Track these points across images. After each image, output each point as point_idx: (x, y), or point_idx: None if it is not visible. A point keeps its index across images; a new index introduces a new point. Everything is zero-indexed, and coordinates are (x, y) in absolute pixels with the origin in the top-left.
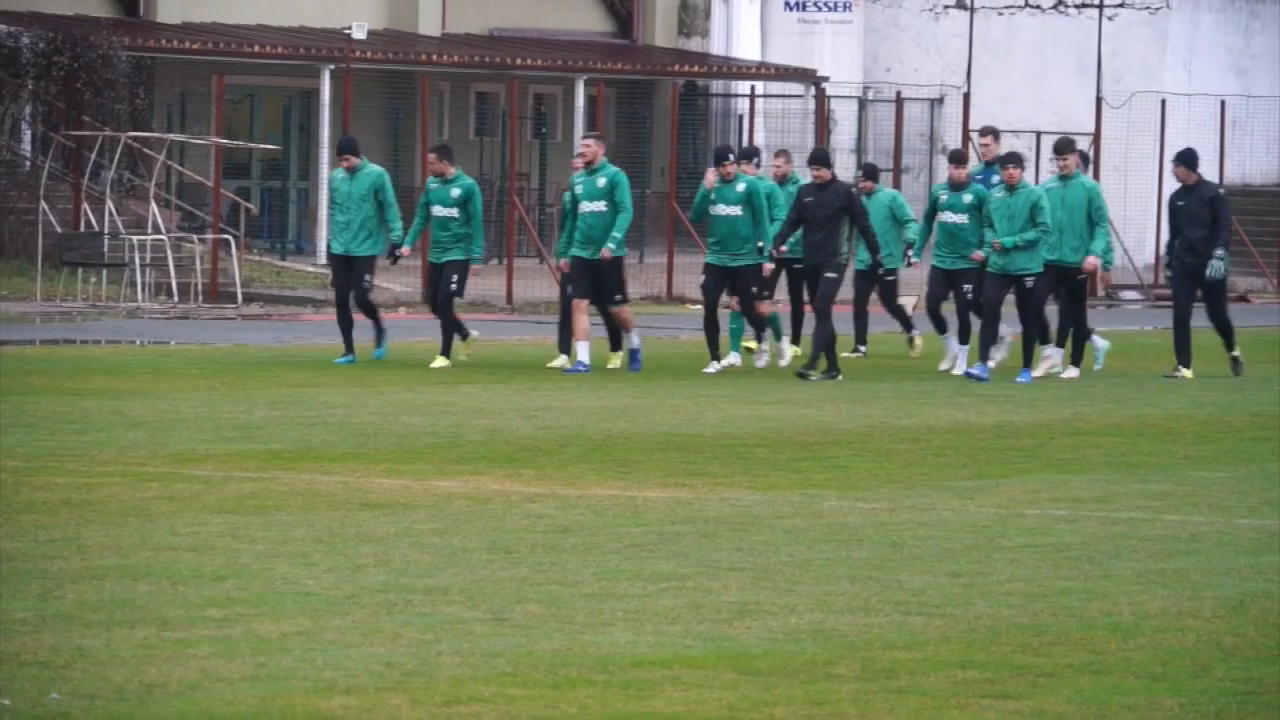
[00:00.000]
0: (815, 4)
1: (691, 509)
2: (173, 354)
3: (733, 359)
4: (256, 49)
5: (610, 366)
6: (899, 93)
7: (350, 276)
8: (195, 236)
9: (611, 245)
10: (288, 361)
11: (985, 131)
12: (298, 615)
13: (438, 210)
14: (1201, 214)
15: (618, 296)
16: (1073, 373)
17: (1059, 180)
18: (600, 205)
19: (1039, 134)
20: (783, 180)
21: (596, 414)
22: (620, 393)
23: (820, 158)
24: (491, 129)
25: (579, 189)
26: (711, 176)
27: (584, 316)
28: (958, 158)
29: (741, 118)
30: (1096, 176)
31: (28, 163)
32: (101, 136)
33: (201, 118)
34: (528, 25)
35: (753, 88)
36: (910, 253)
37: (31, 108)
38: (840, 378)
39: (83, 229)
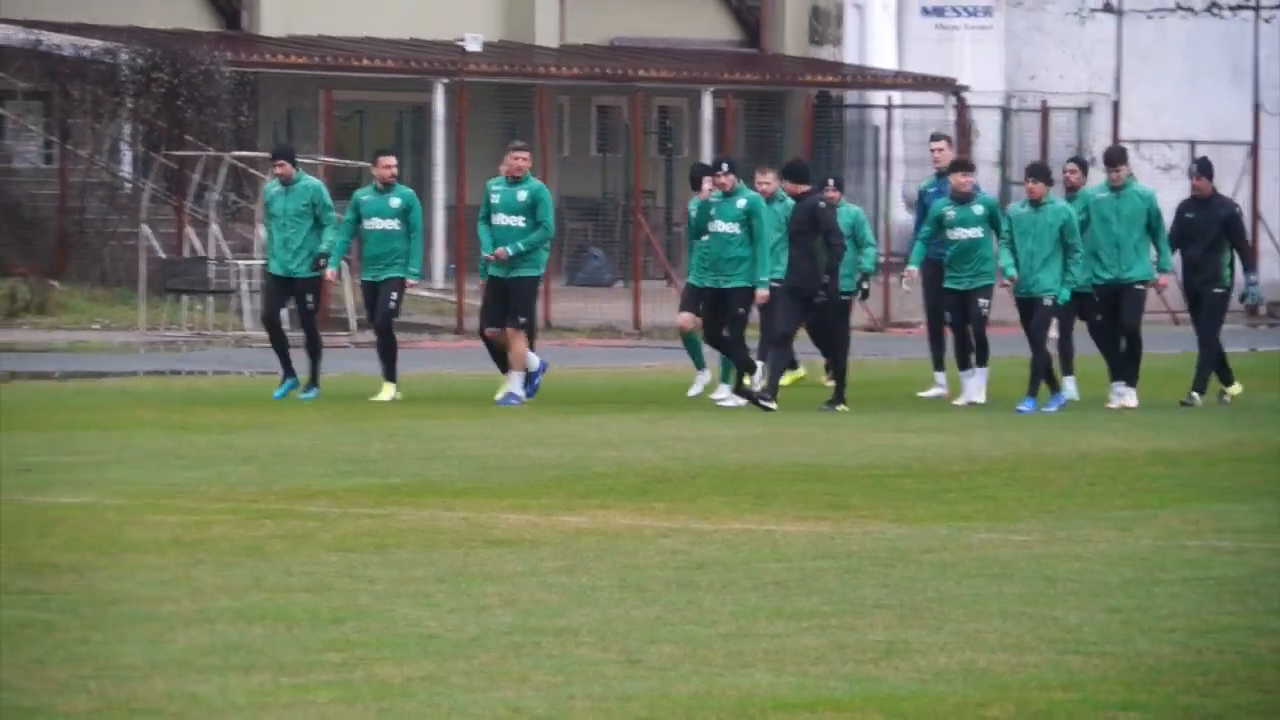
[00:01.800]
0: (954, 9)
1: (833, 543)
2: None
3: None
4: (366, 62)
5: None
6: (1044, 101)
7: (284, 299)
8: None
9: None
10: (403, 390)
11: (937, 137)
12: (421, 658)
13: (374, 223)
14: (1209, 230)
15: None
16: (1131, 399)
17: (1110, 191)
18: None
19: (1193, 143)
20: (770, 198)
21: (730, 443)
22: (754, 421)
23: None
24: (614, 144)
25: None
26: (708, 186)
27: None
28: (963, 165)
29: (878, 129)
30: (1255, 188)
31: (128, 185)
32: (205, 156)
33: (309, 135)
34: (651, 34)
35: (889, 98)
36: (865, 284)
37: (131, 127)
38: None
39: (186, 254)
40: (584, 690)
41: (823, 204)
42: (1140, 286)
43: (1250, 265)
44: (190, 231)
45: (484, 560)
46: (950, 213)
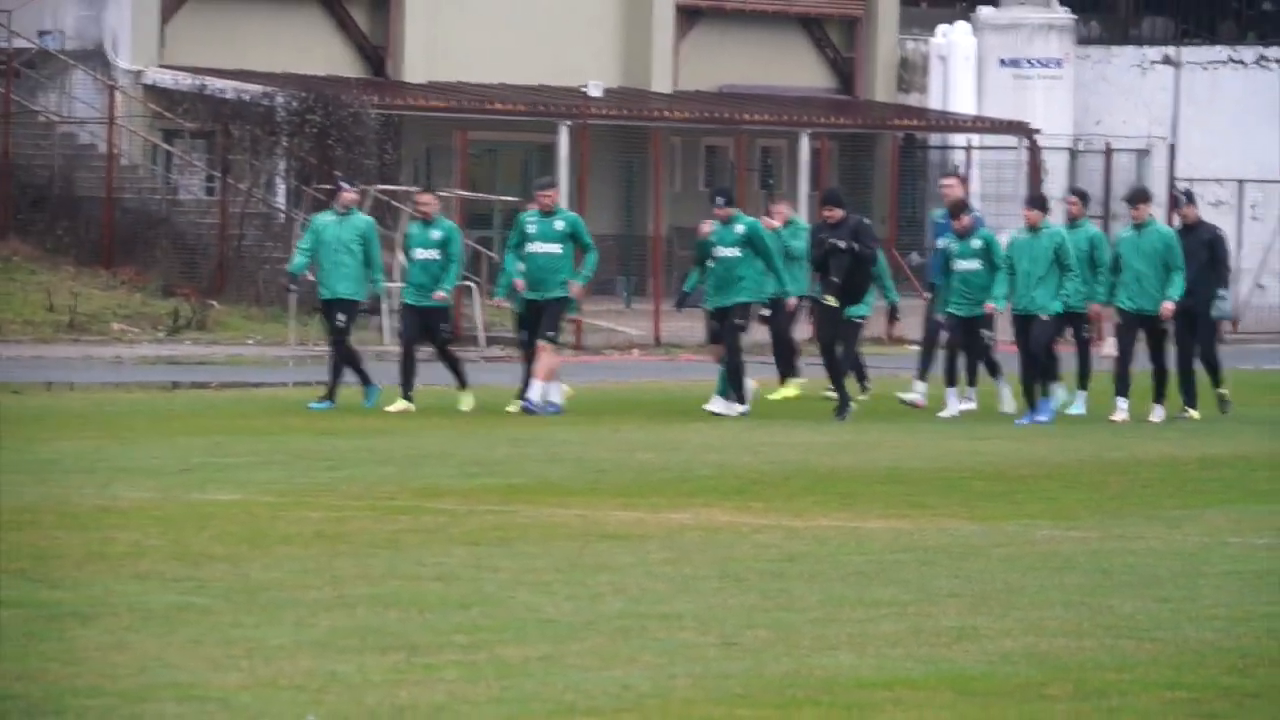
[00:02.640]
0: (1028, 60)
1: (911, 538)
2: (418, 395)
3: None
4: (498, 106)
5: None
6: (1108, 144)
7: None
8: None
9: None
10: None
11: (948, 174)
12: (539, 641)
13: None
14: (1199, 254)
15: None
16: (1159, 414)
17: (1134, 230)
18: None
19: (1241, 182)
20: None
21: (820, 449)
22: (842, 429)
23: (831, 197)
24: (721, 180)
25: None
26: (707, 226)
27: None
28: (960, 207)
29: (958, 168)
30: None
31: (282, 215)
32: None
33: (446, 171)
34: (755, 82)
35: (969, 140)
36: (896, 314)
37: (285, 163)
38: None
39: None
40: (685, 670)
41: (866, 221)
42: (1164, 326)
43: (1224, 283)
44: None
45: (597, 553)
46: (954, 245)
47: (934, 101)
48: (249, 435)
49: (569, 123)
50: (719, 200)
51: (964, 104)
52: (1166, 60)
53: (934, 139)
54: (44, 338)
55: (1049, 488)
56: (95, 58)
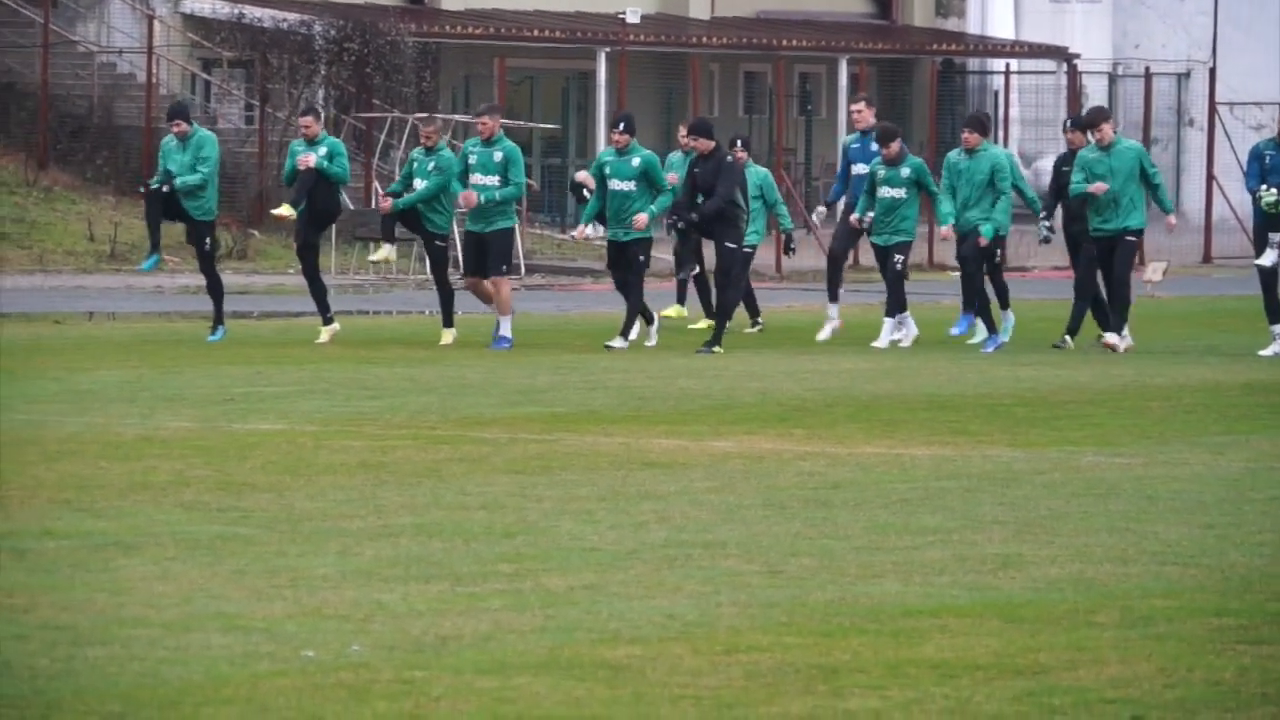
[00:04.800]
0: None
1: (955, 465)
2: (458, 323)
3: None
4: (535, 33)
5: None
6: (1147, 68)
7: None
8: None
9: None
10: (568, 329)
11: (858, 99)
12: (583, 570)
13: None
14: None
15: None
16: (1127, 341)
17: (1099, 151)
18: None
19: None
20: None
21: (863, 376)
22: (885, 356)
23: (700, 128)
24: (759, 107)
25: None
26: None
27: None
28: (890, 134)
29: (997, 94)
30: None
31: None
32: (390, 118)
33: (484, 99)
34: (793, 8)
35: (1007, 65)
36: (791, 243)
37: (324, 92)
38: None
39: (373, 206)
40: (730, 598)
41: (730, 159)
42: (1131, 237)
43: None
44: (377, 185)
45: (641, 481)
46: (880, 172)
47: (972, 26)
48: (291, 365)
49: (607, 49)
50: (620, 126)
51: (1002, 28)
52: None
53: (972, 64)
54: (85, 267)
55: (1092, 414)
56: None
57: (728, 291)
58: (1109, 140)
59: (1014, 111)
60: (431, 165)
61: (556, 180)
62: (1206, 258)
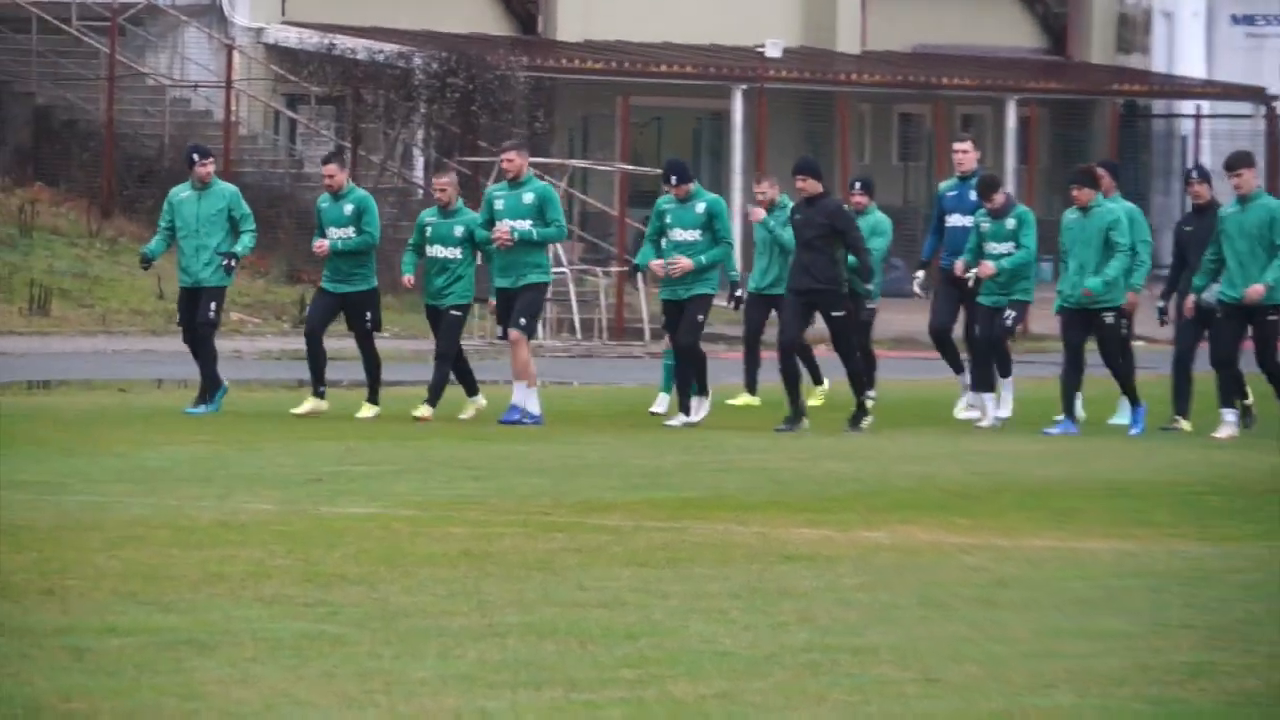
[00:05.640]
0: (1264, 17)
1: (1138, 561)
2: (576, 395)
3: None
4: (664, 68)
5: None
6: None
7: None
8: (599, 269)
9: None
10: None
11: (963, 138)
12: (715, 676)
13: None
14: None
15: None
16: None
17: (1237, 204)
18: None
19: None
20: (769, 208)
21: (1033, 458)
22: (1060, 437)
23: (808, 166)
24: (916, 153)
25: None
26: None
27: None
28: (992, 185)
29: (1185, 139)
30: None
31: (420, 191)
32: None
33: (605, 142)
34: (953, 41)
35: (1198, 107)
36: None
37: (424, 132)
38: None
39: (479, 262)
40: (882, 710)
41: (846, 207)
42: (1274, 316)
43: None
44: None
45: (780, 576)
46: (985, 224)
47: (1157, 63)
48: (385, 440)
49: (744, 86)
50: (672, 180)
51: (1192, 67)
52: None
53: (1158, 106)
54: (154, 329)
55: None
56: (210, 13)
57: (850, 361)
58: (1249, 190)
59: (1205, 159)
60: (459, 230)
61: None
62: None
